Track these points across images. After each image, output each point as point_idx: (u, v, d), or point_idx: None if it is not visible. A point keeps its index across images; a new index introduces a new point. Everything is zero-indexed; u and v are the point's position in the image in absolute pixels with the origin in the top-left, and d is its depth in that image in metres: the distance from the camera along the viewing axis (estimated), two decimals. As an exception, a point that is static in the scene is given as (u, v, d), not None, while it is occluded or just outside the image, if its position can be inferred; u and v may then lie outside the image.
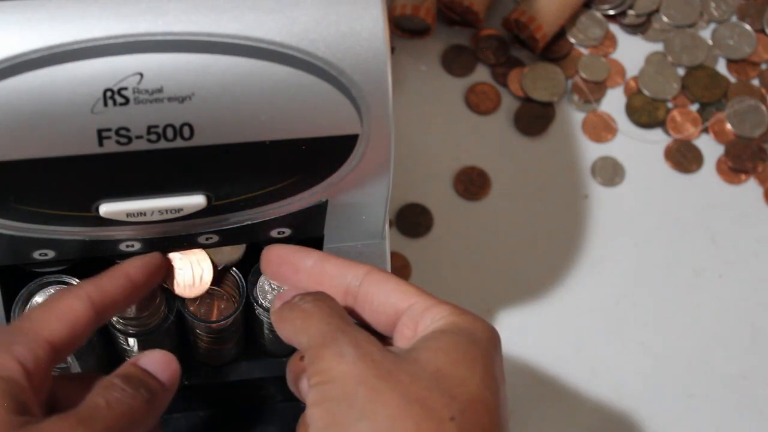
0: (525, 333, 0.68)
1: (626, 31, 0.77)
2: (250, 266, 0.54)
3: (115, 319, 0.53)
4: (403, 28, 0.75)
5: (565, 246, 0.70)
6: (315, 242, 0.53)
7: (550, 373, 0.67)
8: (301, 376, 0.47)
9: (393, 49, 0.74)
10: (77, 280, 0.52)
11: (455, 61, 0.75)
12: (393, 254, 0.68)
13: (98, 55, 0.43)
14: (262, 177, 0.48)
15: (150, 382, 0.47)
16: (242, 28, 0.44)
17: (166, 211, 0.48)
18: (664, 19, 0.77)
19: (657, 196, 0.72)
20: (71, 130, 0.44)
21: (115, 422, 0.44)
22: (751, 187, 0.73)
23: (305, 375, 0.45)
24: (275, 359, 0.58)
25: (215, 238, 0.51)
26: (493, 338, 0.45)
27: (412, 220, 0.70)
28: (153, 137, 0.45)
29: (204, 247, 0.52)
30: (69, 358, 0.53)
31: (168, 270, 0.52)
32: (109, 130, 0.44)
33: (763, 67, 0.76)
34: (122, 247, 0.51)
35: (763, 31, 0.77)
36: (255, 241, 0.52)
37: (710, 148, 0.74)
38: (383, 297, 0.47)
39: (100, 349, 0.55)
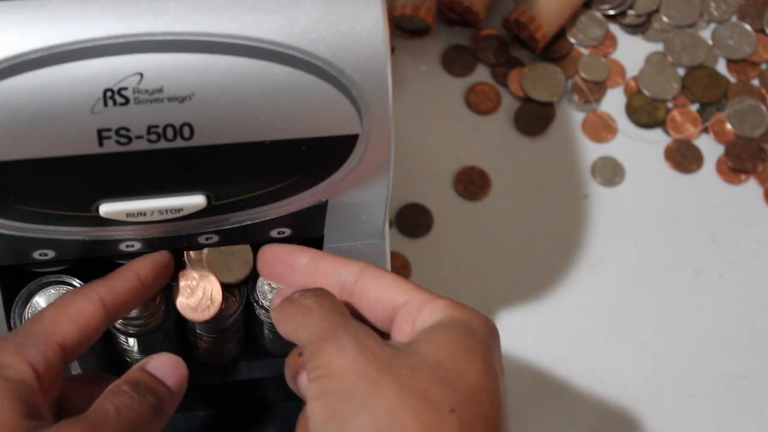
0: (525, 333, 0.68)
1: (626, 31, 0.77)
2: (250, 266, 0.54)
3: (115, 319, 0.53)
4: (403, 28, 0.75)
5: (565, 246, 0.70)
6: (315, 242, 0.53)
7: (550, 373, 0.67)
8: (300, 372, 0.48)
9: (393, 49, 0.74)
10: (77, 279, 0.52)
11: (455, 61, 0.75)
12: (393, 254, 0.68)
13: (98, 55, 0.43)
14: (262, 177, 0.48)
15: (158, 389, 0.47)
16: (242, 28, 0.44)
17: (166, 211, 0.48)
18: (664, 19, 0.77)
19: (657, 196, 0.72)
20: (71, 130, 0.44)
21: (124, 429, 0.45)
22: (751, 187, 0.73)
23: (304, 370, 0.45)
24: (275, 359, 0.58)
25: (215, 238, 0.51)
26: (491, 330, 0.45)
27: (412, 220, 0.70)
28: (153, 137, 0.45)
29: (204, 247, 0.52)
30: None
31: (177, 292, 0.52)
32: (109, 130, 0.44)
33: (763, 67, 0.76)
34: (122, 247, 0.51)
35: (763, 31, 0.77)
36: (255, 241, 0.52)
37: (710, 148, 0.74)
38: (380, 293, 0.47)
39: (100, 349, 0.55)
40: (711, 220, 0.72)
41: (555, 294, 0.69)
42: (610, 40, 0.77)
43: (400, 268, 0.68)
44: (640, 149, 0.73)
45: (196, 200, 0.48)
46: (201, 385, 0.58)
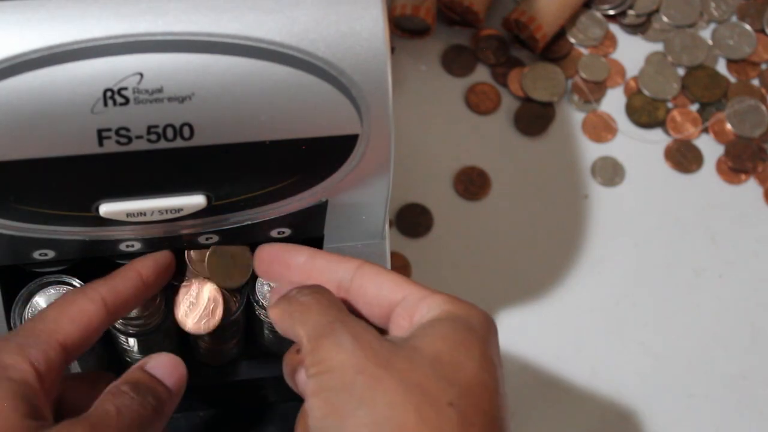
0: (525, 333, 0.68)
1: (626, 31, 0.77)
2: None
3: (115, 319, 0.53)
4: (403, 28, 0.75)
5: (565, 246, 0.70)
6: (315, 242, 0.53)
7: (550, 373, 0.67)
8: (298, 369, 0.48)
9: (393, 49, 0.74)
10: (77, 279, 0.52)
11: (455, 61, 0.75)
12: (393, 254, 0.68)
13: (98, 55, 0.43)
14: (262, 177, 0.48)
15: (157, 389, 0.47)
16: (242, 28, 0.44)
17: (166, 211, 0.48)
18: (664, 19, 0.77)
19: (657, 196, 0.72)
20: (71, 130, 0.44)
21: (125, 429, 0.45)
22: (751, 187, 0.73)
23: (302, 367, 0.45)
24: (275, 359, 0.58)
25: (215, 238, 0.51)
26: (489, 324, 0.45)
27: (412, 220, 0.70)
28: (153, 137, 0.45)
29: (204, 247, 0.52)
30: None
31: (179, 306, 0.52)
32: (109, 130, 0.44)
33: (763, 67, 0.76)
34: (122, 247, 0.51)
35: (763, 31, 0.77)
36: (255, 241, 0.52)
37: (710, 148, 0.74)
38: (376, 290, 0.47)
39: (100, 349, 0.55)
40: (711, 220, 0.72)
41: (555, 294, 0.69)
42: (610, 40, 0.77)
43: (400, 268, 0.68)
44: (640, 149, 0.74)
45: (196, 200, 0.48)
46: (201, 385, 0.58)
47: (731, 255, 0.71)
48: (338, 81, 0.45)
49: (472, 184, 0.72)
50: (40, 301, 0.52)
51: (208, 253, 0.52)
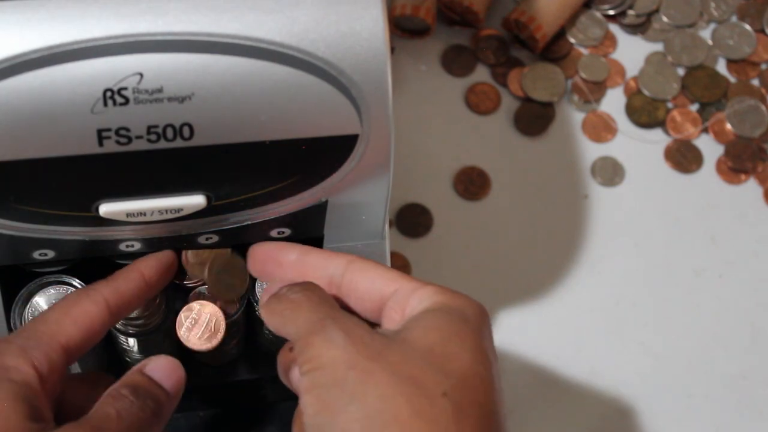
0: (525, 333, 0.68)
1: (626, 31, 0.77)
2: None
3: (115, 319, 0.53)
4: (403, 28, 0.75)
5: (565, 246, 0.70)
6: (315, 242, 0.53)
7: (550, 373, 0.67)
8: (292, 367, 0.48)
9: (393, 49, 0.74)
10: (77, 279, 0.52)
11: (455, 61, 0.75)
12: (393, 254, 0.68)
13: (98, 55, 0.43)
14: (262, 177, 0.48)
15: (156, 392, 0.47)
16: (242, 28, 0.44)
17: (166, 211, 0.48)
18: (664, 19, 0.77)
19: (657, 196, 0.72)
20: (71, 130, 0.44)
21: None
22: (751, 187, 0.73)
23: (295, 365, 0.45)
24: (275, 359, 0.58)
25: (215, 238, 0.51)
26: (482, 314, 0.45)
27: (412, 220, 0.70)
28: (153, 137, 0.45)
29: (204, 247, 0.52)
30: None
31: (180, 325, 0.53)
32: (109, 130, 0.44)
33: (763, 67, 0.76)
34: (122, 247, 0.51)
35: (763, 31, 0.77)
36: (255, 241, 0.52)
37: (710, 148, 0.74)
38: (367, 284, 0.47)
39: (100, 349, 0.55)
40: (711, 220, 0.72)
41: (555, 294, 0.69)
42: (610, 40, 0.77)
43: (400, 268, 0.68)
44: (640, 149, 0.74)
45: (196, 200, 0.48)
46: (201, 385, 0.58)
47: (731, 255, 0.71)
48: (338, 81, 0.45)
49: (472, 184, 0.72)
50: (40, 301, 0.52)
51: (206, 271, 0.52)
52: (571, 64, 0.75)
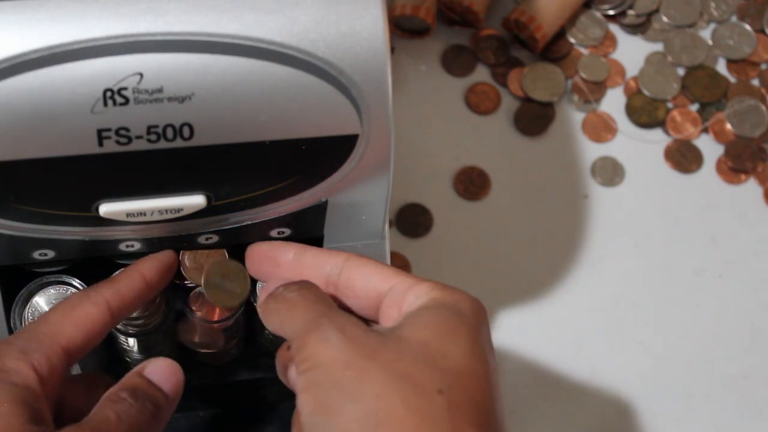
0: (525, 333, 0.68)
1: (626, 31, 0.77)
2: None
3: (115, 319, 0.53)
4: (403, 28, 0.75)
5: (565, 246, 0.70)
6: (315, 242, 0.53)
7: (550, 373, 0.67)
8: (290, 366, 0.48)
9: (393, 49, 0.74)
10: (77, 279, 0.52)
11: (455, 61, 0.75)
12: (393, 254, 0.68)
13: (98, 55, 0.43)
14: (262, 177, 0.48)
15: (155, 395, 0.47)
16: (242, 28, 0.44)
17: (166, 211, 0.48)
18: (664, 19, 0.77)
19: (657, 196, 0.72)
20: (71, 130, 0.44)
21: None
22: (751, 187, 0.73)
23: (293, 364, 0.45)
24: (275, 359, 0.58)
25: (215, 238, 0.51)
26: (479, 310, 0.45)
27: (412, 220, 0.70)
28: (153, 137, 0.45)
29: (204, 247, 0.52)
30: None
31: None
32: (109, 130, 0.44)
33: (763, 67, 0.76)
34: (122, 247, 0.51)
35: (763, 31, 0.77)
36: (255, 241, 0.52)
37: (710, 148, 0.74)
38: (364, 282, 0.47)
39: (100, 349, 0.55)
40: (711, 220, 0.72)
41: (555, 294, 0.69)
42: (610, 40, 0.77)
43: (400, 268, 0.68)
44: (640, 149, 0.73)
45: (196, 200, 0.48)
46: (201, 385, 0.58)
47: (731, 255, 0.71)
48: (338, 81, 0.45)
49: (472, 184, 0.72)
50: (40, 301, 0.52)
51: (203, 280, 0.52)
52: (571, 64, 0.75)
